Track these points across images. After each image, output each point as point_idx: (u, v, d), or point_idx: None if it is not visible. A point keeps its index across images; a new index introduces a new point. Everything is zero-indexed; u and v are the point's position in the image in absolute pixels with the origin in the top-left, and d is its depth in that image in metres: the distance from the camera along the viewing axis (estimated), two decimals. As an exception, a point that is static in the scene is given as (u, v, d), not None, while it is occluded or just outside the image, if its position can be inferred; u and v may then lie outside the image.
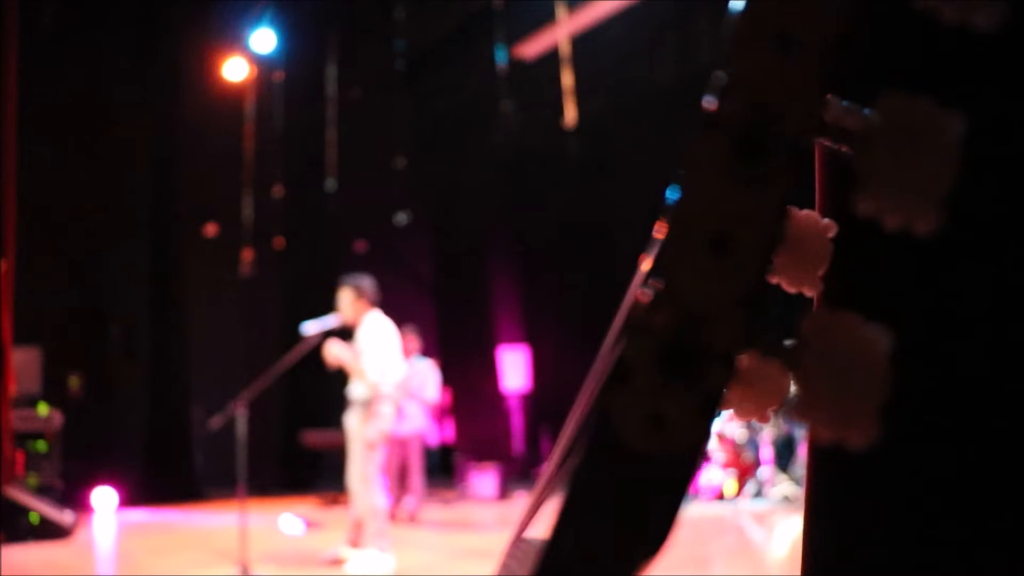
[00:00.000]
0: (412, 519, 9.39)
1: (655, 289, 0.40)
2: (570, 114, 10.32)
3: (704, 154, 0.40)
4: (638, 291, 0.40)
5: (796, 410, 0.41)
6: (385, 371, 6.68)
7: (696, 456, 0.43)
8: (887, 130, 0.41)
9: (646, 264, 0.44)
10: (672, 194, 0.42)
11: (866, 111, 0.43)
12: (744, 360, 0.42)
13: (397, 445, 9.08)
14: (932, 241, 0.45)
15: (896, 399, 0.41)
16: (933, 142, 0.41)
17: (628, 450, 0.40)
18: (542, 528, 0.45)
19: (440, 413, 14.30)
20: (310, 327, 6.82)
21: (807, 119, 0.41)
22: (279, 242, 13.25)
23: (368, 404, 6.60)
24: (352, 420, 6.66)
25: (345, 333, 6.83)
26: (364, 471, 6.56)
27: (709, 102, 0.41)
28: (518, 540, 0.49)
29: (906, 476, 0.64)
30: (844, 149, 0.43)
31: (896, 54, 0.65)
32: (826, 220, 0.49)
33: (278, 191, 13.13)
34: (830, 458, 0.67)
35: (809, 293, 0.49)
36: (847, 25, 0.41)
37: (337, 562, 6.82)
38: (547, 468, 0.50)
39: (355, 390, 6.68)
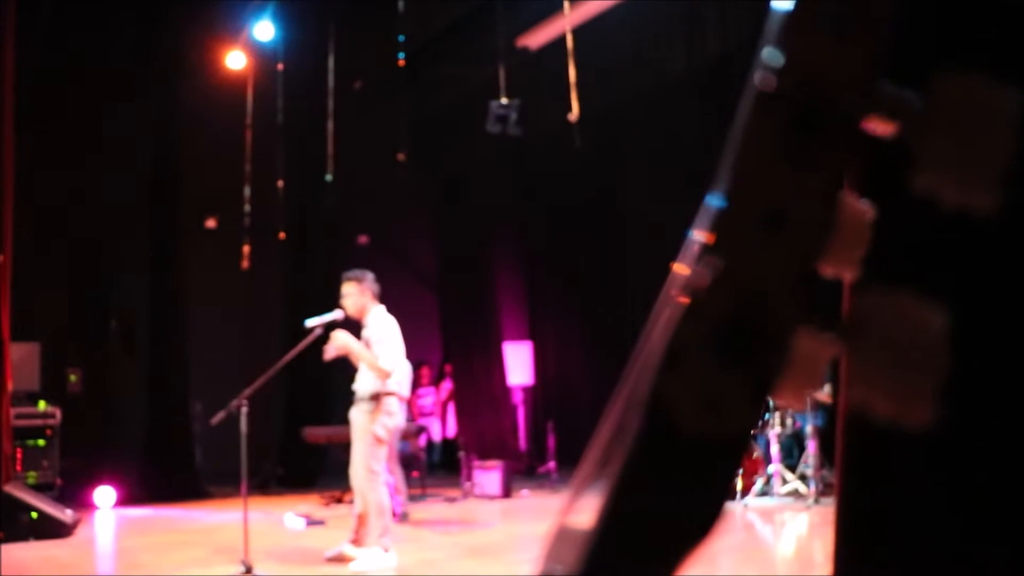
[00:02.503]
0: (402, 517, 9.08)
1: (712, 268, 0.40)
2: (574, 107, 10.29)
3: (761, 132, 0.40)
4: (695, 272, 0.40)
5: (854, 387, 0.41)
6: (395, 365, 6.66)
7: (746, 439, 0.42)
8: (944, 107, 0.41)
9: (687, 258, 0.43)
10: (719, 191, 0.41)
11: (915, 92, 0.42)
12: (795, 341, 0.42)
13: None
14: (977, 221, 0.44)
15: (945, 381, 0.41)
16: (990, 119, 0.41)
17: (682, 434, 0.40)
18: (585, 515, 0.45)
19: (443, 409, 14.30)
20: (313, 322, 6.79)
21: (862, 98, 0.41)
22: (280, 235, 13.24)
23: (373, 399, 6.58)
24: (357, 415, 6.64)
25: (348, 328, 6.80)
26: (368, 467, 6.53)
27: (764, 81, 0.40)
28: (562, 526, 0.49)
29: (950, 460, 0.63)
30: (893, 128, 0.43)
31: (952, 34, 0.64)
32: (865, 202, 0.48)
33: (279, 184, 13.11)
34: (865, 442, 0.66)
35: (848, 276, 0.49)
36: (902, 5, 0.41)
37: (340, 560, 6.80)
38: (590, 454, 0.49)
39: (361, 385, 6.65)
